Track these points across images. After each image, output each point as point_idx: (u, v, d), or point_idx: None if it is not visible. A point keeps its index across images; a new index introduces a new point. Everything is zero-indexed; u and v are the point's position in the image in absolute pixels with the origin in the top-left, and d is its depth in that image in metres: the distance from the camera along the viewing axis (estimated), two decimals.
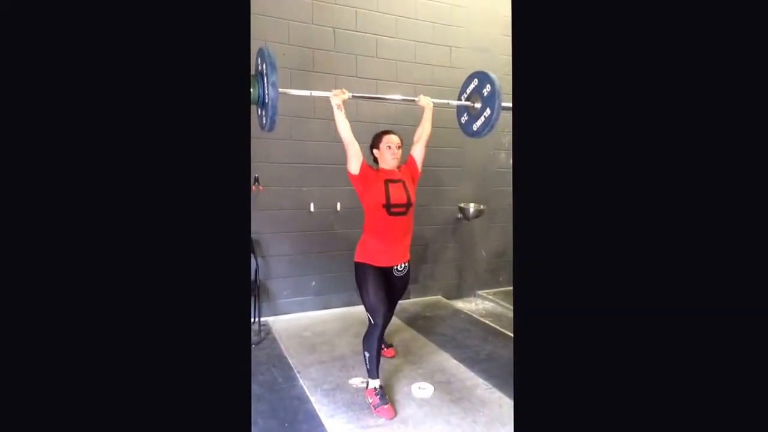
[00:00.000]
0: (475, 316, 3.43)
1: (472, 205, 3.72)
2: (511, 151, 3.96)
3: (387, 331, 2.44)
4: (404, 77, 3.46)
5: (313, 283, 3.35)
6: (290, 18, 3.07)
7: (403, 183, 2.22)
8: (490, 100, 2.30)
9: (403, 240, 2.24)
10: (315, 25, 3.15)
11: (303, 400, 2.16)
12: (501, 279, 4.08)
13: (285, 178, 3.19)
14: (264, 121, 1.99)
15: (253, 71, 2.05)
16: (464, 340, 2.92)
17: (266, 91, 1.89)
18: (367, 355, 2.11)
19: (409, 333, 2.99)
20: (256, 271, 3.00)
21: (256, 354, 2.65)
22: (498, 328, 3.16)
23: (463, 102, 2.48)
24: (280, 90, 1.92)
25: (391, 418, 2.02)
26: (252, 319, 3.03)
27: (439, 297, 3.82)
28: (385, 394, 2.12)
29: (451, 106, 2.64)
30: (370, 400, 2.10)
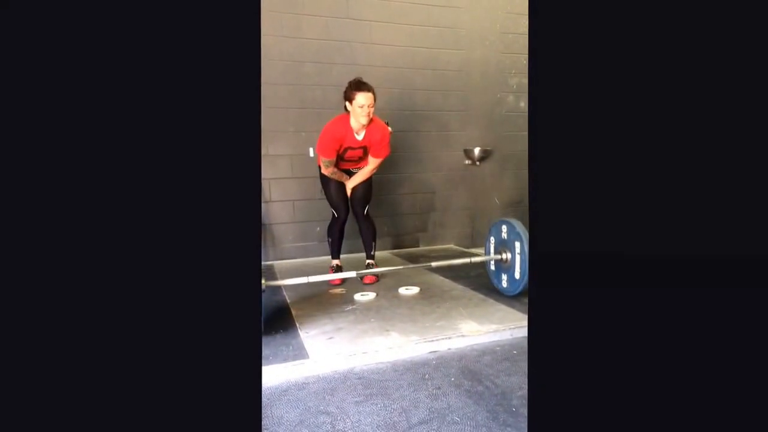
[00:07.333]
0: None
1: (477, 147, 3.61)
2: (519, 94, 3.82)
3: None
4: (399, 18, 3.42)
5: (318, 228, 3.33)
6: None
7: (364, 149, 2.42)
8: (523, 257, 2.07)
9: (358, 163, 2.52)
10: None
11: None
12: None
13: (283, 122, 3.20)
14: None
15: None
16: (467, 270, 2.79)
17: None
18: (329, 240, 2.63)
19: (409, 269, 2.89)
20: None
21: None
22: None
23: (492, 256, 2.27)
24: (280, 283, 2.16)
25: (336, 284, 2.45)
26: None
27: (451, 245, 3.70)
28: (340, 270, 2.58)
29: (475, 263, 2.37)
30: (329, 273, 2.41)
